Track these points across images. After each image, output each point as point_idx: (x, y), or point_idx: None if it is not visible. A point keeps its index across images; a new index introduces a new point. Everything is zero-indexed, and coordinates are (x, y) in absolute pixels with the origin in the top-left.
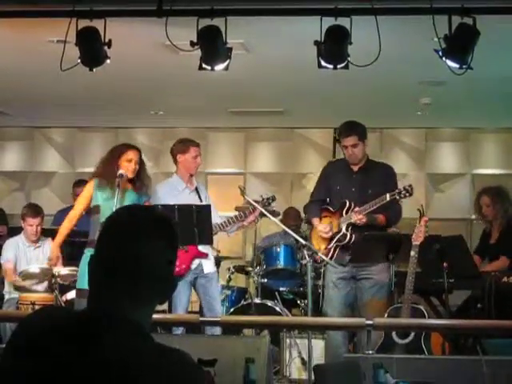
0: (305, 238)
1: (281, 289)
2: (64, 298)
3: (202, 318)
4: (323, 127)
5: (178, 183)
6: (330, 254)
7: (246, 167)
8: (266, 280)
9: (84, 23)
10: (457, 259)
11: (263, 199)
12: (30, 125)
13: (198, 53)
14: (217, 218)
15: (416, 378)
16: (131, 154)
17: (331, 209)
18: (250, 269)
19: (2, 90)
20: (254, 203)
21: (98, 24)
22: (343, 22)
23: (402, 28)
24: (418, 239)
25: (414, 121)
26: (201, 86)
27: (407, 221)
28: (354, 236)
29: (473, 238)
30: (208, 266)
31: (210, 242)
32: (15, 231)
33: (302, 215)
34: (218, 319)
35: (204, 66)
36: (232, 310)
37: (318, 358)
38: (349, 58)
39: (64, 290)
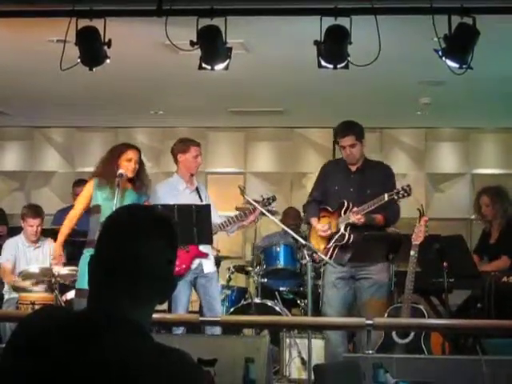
0: (304, 238)
1: (281, 288)
2: (64, 298)
3: (201, 318)
4: (323, 127)
5: (179, 183)
6: (328, 254)
7: (245, 167)
8: (265, 280)
9: (84, 23)
10: (457, 259)
11: (263, 199)
12: (29, 124)
13: (197, 52)
14: (217, 217)
15: (416, 378)
16: (131, 154)
17: (329, 209)
18: (250, 268)
19: (1, 89)
20: (255, 203)
21: (97, 24)
22: (343, 21)
23: (402, 28)
24: (417, 239)
25: (414, 121)
26: (201, 85)
27: (407, 221)
28: (352, 236)
29: (472, 238)
30: (208, 265)
31: (209, 241)
32: (15, 231)
33: (302, 215)
34: (218, 319)
35: (204, 65)
36: (232, 309)
37: (318, 357)
38: (349, 58)
39: (64, 289)
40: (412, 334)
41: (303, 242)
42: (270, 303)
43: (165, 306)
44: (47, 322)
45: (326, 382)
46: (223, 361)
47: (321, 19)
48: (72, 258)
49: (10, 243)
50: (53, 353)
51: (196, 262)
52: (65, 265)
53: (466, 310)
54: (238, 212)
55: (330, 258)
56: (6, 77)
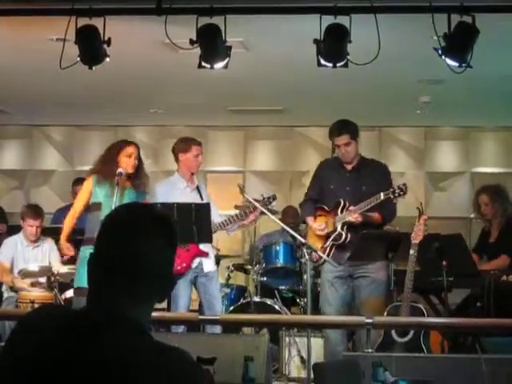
0: (304, 237)
1: (280, 287)
2: (63, 297)
3: (201, 317)
4: (322, 125)
5: (179, 182)
6: (326, 253)
7: (245, 165)
8: (265, 278)
9: (83, 21)
10: (456, 258)
11: (264, 198)
12: (29, 123)
13: (197, 51)
14: (217, 216)
15: (415, 377)
16: (130, 149)
17: (326, 208)
18: (250, 267)
19: (1, 88)
20: (255, 202)
21: (97, 22)
22: (342, 20)
23: (402, 26)
24: (417, 238)
25: (414, 119)
26: (200, 84)
27: (406, 219)
28: (349, 235)
29: (472, 237)
30: (208, 264)
31: (209, 240)
32: (14, 229)
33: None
34: (218, 318)
35: (203, 64)
36: (231, 308)
37: (318, 356)
38: (348, 57)
39: (63, 288)
40: (411, 332)
41: (302, 240)
42: (269, 302)
43: (164, 305)
44: (46, 320)
45: (325, 381)
46: (222, 359)
47: (320, 18)
48: (71, 257)
49: (9, 242)
50: (52, 351)
51: (196, 260)
52: (64, 263)
53: (466, 309)
54: (238, 211)
55: (328, 257)
56: (5, 75)
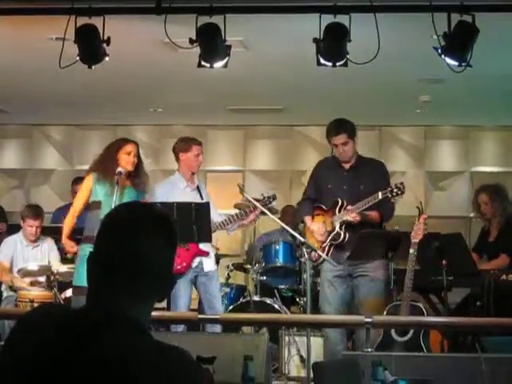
0: (303, 236)
1: (280, 286)
2: (63, 296)
3: (200, 316)
4: (322, 125)
5: (180, 181)
6: (324, 253)
7: (244, 165)
8: (264, 278)
9: (83, 20)
10: (456, 257)
11: (264, 198)
12: (28, 122)
13: (196, 50)
14: (217, 216)
15: (415, 376)
16: (130, 147)
17: (324, 207)
18: (249, 266)
19: (0, 87)
20: (255, 202)
21: (96, 21)
22: (342, 19)
23: (401, 25)
24: (416, 237)
25: (413, 118)
26: (200, 83)
27: (406, 218)
28: (347, 234)
29: (472, 236)
30: (208, 264)
31: (208, 239)
32: (14, 229)
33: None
34: (217, 317)
35: (203, 63)
36: (231, 307)
37: (317, 355)
38: (348, 56)
39: (63, 287)
40: (411, 331)
41: (302, 239)
42: (268, 301)
43: (164, 304)
44: (46, 319)
45: (325, 380)
46: (222, 359)
47: (320, 17)
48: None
49: (9, 241)
50: (52, 350)
51: (196, 260)
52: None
53: (465, 308)
54: (238, 211)
55: (327, 256)
56: (4, 75)
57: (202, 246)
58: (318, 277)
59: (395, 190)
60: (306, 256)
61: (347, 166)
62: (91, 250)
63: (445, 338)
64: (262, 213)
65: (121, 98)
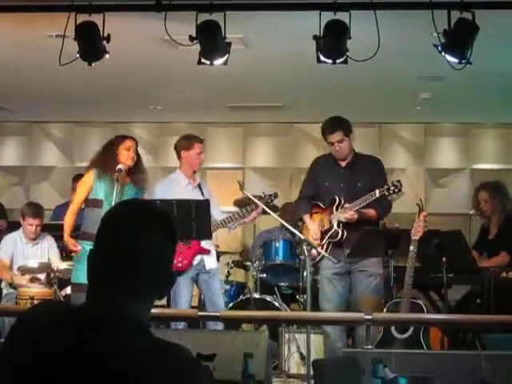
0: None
1: (280, 284)
2: (63, 293)
3: (200, 313)
4: (322, 122)
5: (181, 179)
6: (323, 251)
7: (244, 162)
8: (264, 275)
9: (83, 18)
10: (456, 254)
11: (265, 196)
12: (28, 119)
13: (196, 47)
14: (219, 214)
15: (415, 373)
16: (129, 143)
17: (321, 205)
18: (249, 264)
19: (0, 84)
20: (256, 200)
21: (96, 19)
22: (342, 16)
23: (401, 23)
24: (417, 234)
25: (413, 116)
26: (200, 80)
27: (406, 216)
28: (345, 232)
29: (472, 233)
30: (210, 261)
31: (208, 237)
32: (14, 226)
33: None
34: (217, 314)
35: (203, 60)
36: (231, 304)
37: (317, 352)
38: (348, 53)
39: (62, 284)
40: (411, 329)
41: (302, 237)
42: (268, 298)
43: (164, 302)
44: (46, 316)
45: (325, 377)
46: (222, 356)
47: (320, 14)
48: (70, 252)
49: (9, 239)
50: (52, 347)
51: (198, 258)
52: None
53: (465, 306)
54: (238, 208)
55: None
56: (5, 72)
57: (204, 244)
58: (317, 274)
59: (392, 188)
60: (306, 253)
61: (343, 163)
62: (88, 246)
63: (445, 335)
64: (263, 211)
65: (121, 95)
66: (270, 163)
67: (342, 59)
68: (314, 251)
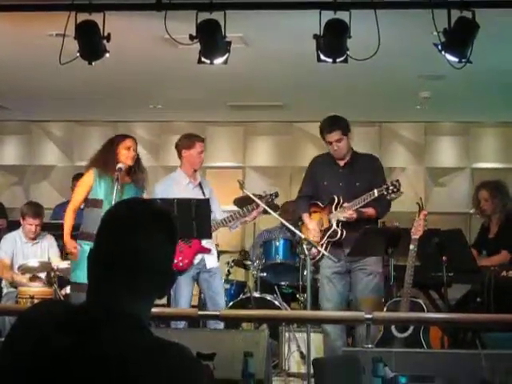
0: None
1: (280, 283)
2: (63, 292)
3: (200, 312)
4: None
5: (182, 178)
6: (323, 249)
7: (245, 161)
8: (265, 274)
9: (83, 17)
10: (456, 253)
11: (266, 195)
12: (28, 119)
13: (197, 46)
14: (220, 213)
15: (415, 372)
16: (129, 142)
17: (320, 204)
18: (249, 263)
19: (0, 83)
20: (256, 199)
21: (96, 18)
22: (342, 15)
23: (402, 22)
24: (417, 233)
25: (414, 115)
26: (200, 79)
27: (406, 215)
28: (344, 232)
29: (472, 232)
30: (211, 261)
31: (208, 236)
32: (14, 225)
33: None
34: (217, 313)
35: (203, 59)
36: (231, 303)
37: (317, 351)
38: (348, 52)
39: (63, 283)
40: (411, 328)
41: (302, 236)
42: (269, 297)
43: (164, 301)
44: (46, 316)
45: (325, 376)
46: (222, 355)
47: (320, 13)
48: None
49: (9, 238)
50: (52, 347)
51: (198, 257)
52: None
53: (466, 304)
54: (240, 208)
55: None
56: (5, 71)
57: (205, 243)
58: (318, 273)
59: (391, 188)
60: (307, 252)
61: (342, 162)
62: (87, 246)
63: (445, 335)
64: (264, 210)
65: (121, 94)
66: (270, 162)
67: (342, 58)
68: (313, 250)
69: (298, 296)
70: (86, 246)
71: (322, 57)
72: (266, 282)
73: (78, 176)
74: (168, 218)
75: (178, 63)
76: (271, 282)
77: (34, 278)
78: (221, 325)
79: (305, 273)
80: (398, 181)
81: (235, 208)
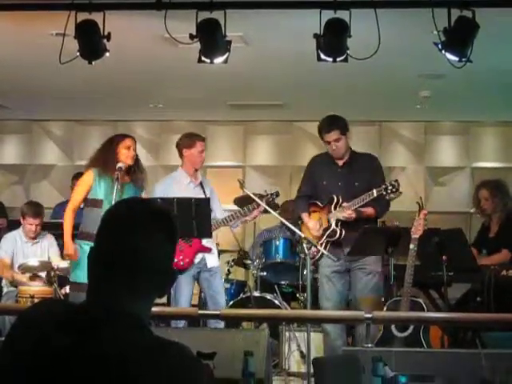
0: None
1: (280, 282)
2: (63, 291)
3: (200, 311)
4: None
5: (183, 177)
6: (322, 248)
7: (245, 160)
8: (265, 273)
9: (83, 16)
10: (456, 252)
11: (267, 194)
12: (28, 118)
13: (197, 46)
14: (221, 212)
15: (415, 371)
16: (129, 142)
17: (319, 204)
18: (249, 262)
19: (0, 82)
20: (257, 199)
21: (97, 17)
22: (342, 14)
23: (402, 21)
24: (417, 232)
25: (414, 114)
26: (200, 78)
27: (406, 214)
28: (343, 231)
29: (472, 232)
30: (211, 260)
31: (208, 235)
32: (14, 224)
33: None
34: (218, 312)
35: (203, 58)
36: (231, 303)
37: (317, 351)
38: (348, 51)
39: (63, 282)
40: (411, 327)
41: (302, 235)
42: (269, 297)
43: (164, 300)
44: (46, 315)
45: (325, 376)
46: (222, 354)
47: (320, 12)
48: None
49: (9, 237)
50: (52, 346)
51: (199, 256)
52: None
53: (466, 304)
54: (241, 207)
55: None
56: (5, 70)
57: (205, 242)
58: (318, 273)
59: (390, 188)
60: (306, 251)
61: (341, 162)
62: (87, 246)
63: (445, 334)
64: (265, 209)
65: (121, 93)
66: (270, 161)
67: (342, 57)
68: (313, 249)
69: (298, 295)
70: (86, 246)
71: (322, 56)
72: (266, 282)
73: (77, 175)
74: (168, 218)
75: (178, 62)
76: (271, 281)
77: (34, 278)
78: (221, 324)
79: (305, 272)
80: (396, 181)
81: (235, 207)
